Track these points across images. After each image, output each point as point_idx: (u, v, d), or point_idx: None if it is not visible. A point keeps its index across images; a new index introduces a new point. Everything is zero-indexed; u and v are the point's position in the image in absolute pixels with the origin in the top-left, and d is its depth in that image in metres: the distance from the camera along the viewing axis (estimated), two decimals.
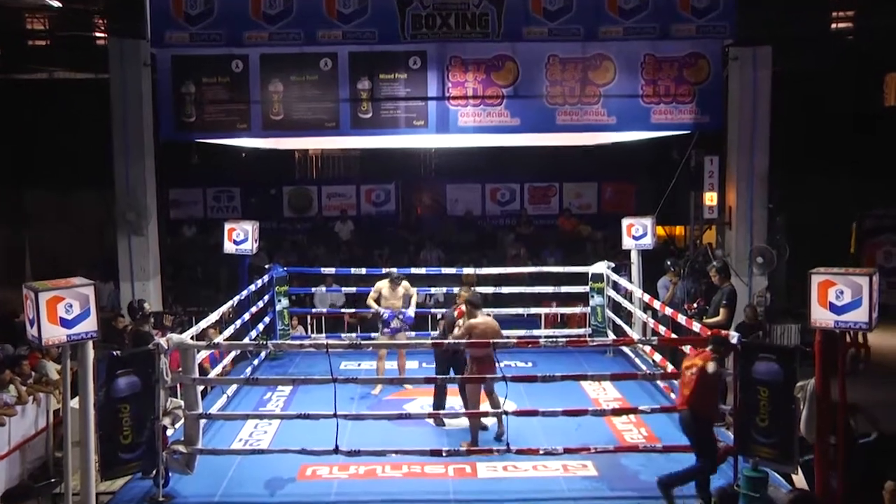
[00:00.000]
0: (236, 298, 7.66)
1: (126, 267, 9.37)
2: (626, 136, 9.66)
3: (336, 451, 5.41)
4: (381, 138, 8.94)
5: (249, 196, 13.88)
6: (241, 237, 8.50)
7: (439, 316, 9.92)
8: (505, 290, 9.28)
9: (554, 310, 9.92)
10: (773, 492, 4.80)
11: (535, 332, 9.05)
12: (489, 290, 9.16)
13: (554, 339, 5.55)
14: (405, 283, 7.65)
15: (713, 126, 8.85)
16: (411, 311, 7.48)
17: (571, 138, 9.60)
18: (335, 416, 5.50)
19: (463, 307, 6.31)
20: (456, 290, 9.42)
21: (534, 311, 9.50)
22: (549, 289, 9.43)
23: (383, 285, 7.57)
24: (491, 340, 5.81)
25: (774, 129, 9.65)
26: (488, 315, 6.28)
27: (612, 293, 8.80)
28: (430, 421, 6.40)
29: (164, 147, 9.25)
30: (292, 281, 9.87)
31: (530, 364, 8.41)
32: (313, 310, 9.91)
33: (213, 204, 13.82)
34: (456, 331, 6.30)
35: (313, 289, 10.00)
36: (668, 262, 8.92)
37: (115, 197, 9.28)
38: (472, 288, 6.51)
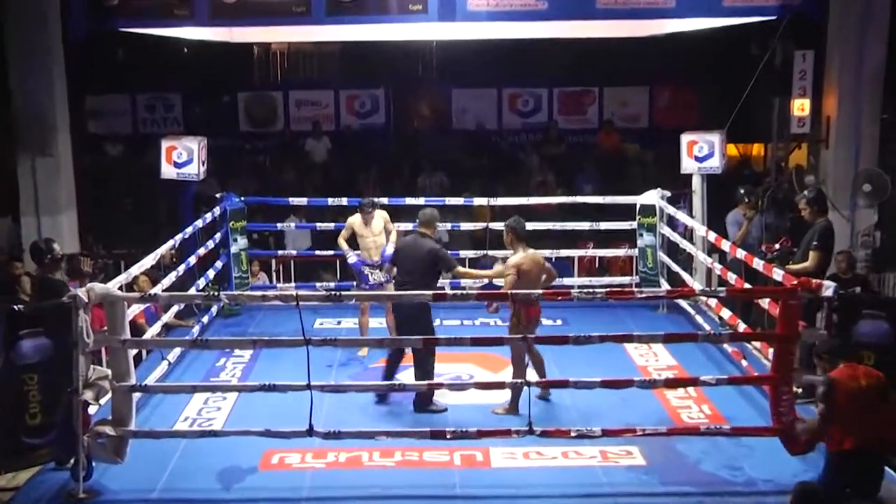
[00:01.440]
0: (178, 237, 7.59)
1: (29, 197, 9.22)
2: (687, 24, 9.47)
3: (310, 432, 5.39)
4: (366, 28, 8.82)
5: (194, 105, 13.72)
6: (183, 158, 8.47)
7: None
8: (528, 226, 9.22)
9: (591, 252, 9.96)
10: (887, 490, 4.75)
11: (567, 282, 9.07)
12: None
13: (591, 291, 5.43)
14: (383, 214, 7.62)
15: (808, 10, 8.56)
16: (389, 248, 7.45)
17: (615, 28, 9.47)
18: (308, 387, 5.46)
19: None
20: (464, 226, 9.43)
21: (565, 254, 9.55)
22: (585, 225, 9.48)
23: (355, 220, 7.55)
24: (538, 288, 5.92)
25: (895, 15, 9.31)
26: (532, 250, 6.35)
27: (666, 231, 8.79)
28: (434, 395, 6.39)
29: (78, 40, 9.05)
30: (252, 215, 9.85)
31: (559, 322, 8.47)
32: (279, 252, 9.90)
33: (145, 115, 13.65)
34: (497, 267, 6.40)
35: (279, 225, 9.94)
36: (742, 191, 8.82)
37: (11, 108, 9.11)
38: (517, 218, 6.43)
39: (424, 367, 6.28)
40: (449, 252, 9.35)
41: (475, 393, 6.27)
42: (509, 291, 5.70)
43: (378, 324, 7.98)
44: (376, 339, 6.34)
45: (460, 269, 6.68)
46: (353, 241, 7.60)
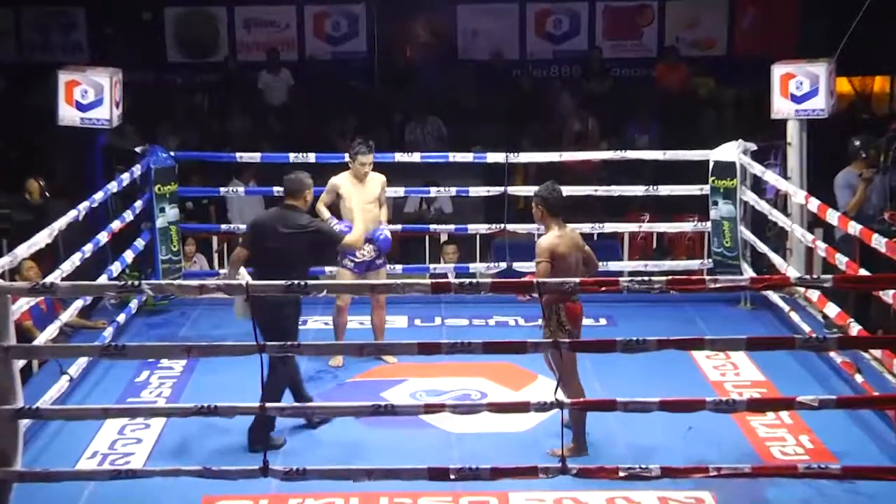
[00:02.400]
0: (82, 206, 7.54)
1: None
2: None
3: (265, 471, 5.38)
4: None
5: (102, 24, 13.65)
6: (89, 98, 8.44)
7: (444, 240, 10.03)
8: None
9: (646, 227, 9.92)
10: None
11: (613, 267, 9.06)
12: (531, 190, 9.07)
13: (646, 279, 5.37)
14: (381, 179, 7.65)
15: None
16: (386, 230, 7.52)
17: None
18: (262, 409, 5.43)
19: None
20: (474, 191, 9.41)
21: (610, 229, 9.57)
22: (638, 190, 9.48)
23: (342, 181, 7.51)
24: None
25: None
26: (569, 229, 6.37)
27: (750, 197, 8.76)
28: (433, 419, 6.46)
29: None
30: (185, 176, 9.84)
31: (603, 321, 8.50)
32: (223, 227, 9.91)
33: (34, 37, 13.57)
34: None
35: (222, 190, 9.92)
36: (857, 143, 8.76)
37: None
38: (552, 185, 6.41)
39: (272, 389, 6.08)
40: (454, 227, 9.55)
41: (488, 418, 6.24)
42: (535, 280, 5.65)
43: (359, 324, 7.95)
44: (355, 344, 6.27)
45: (350, 237, 6.81)
46: (335, 212, 7.62)
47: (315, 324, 8.49)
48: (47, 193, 9.69)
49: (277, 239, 6.41)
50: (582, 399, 6.02)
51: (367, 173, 7.50)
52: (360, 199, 7.45)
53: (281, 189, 9.43)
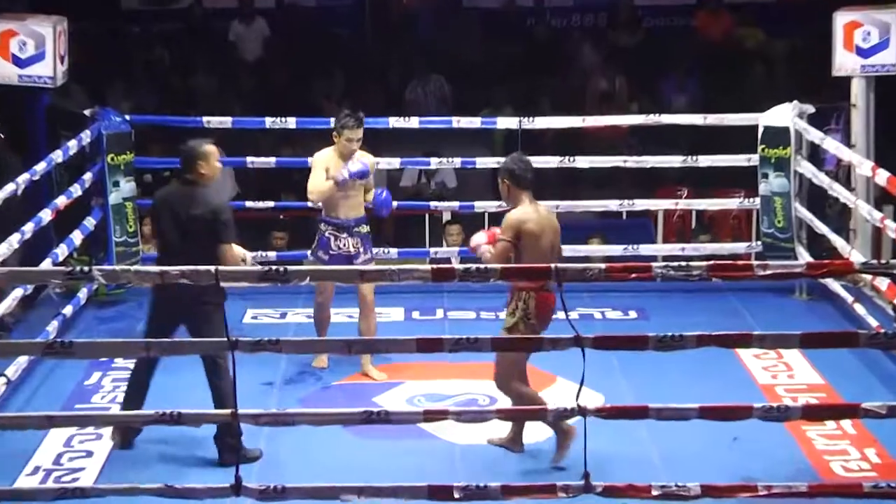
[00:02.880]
0: (22, 179, 7.52)
1: None
2: None
3: (237, 488, 5.38)
4: None
5: None
6: (28, 51, 8.44)
7: (447, 219, 10.00)
8: (583, 162, 9.28)
9: (684, 204, 9.91)
10: None
11: (646, 250, 9.04)
12: (551, 161, 9.05)
13: (683, 265, 5.34)
14: (371, 160, 7.64)
15: None
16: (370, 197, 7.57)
17: None
18: (234, 416, 5.41)
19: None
20: (482, 162, 9.38)
21: (642, 205, 9.59)
22: (675, 161, 9.46)
23: (327, 158, 7.48)
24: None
25: None
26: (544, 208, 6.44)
27: (806, 169, 8.74)
28: (434, 428, 6.47)
29: None
30: (143, 144, 9.81)
31: (633, 314, 8.56)
32: None
33: None
34: (479, 241, 6.39)
35: None
36: None
37: None
38: (518, 155, 6.52)
39: (226, 390, 6.10)
40: (458, 204, 9.50)
41: (499, 426, 6.21)
42: (554, 266, 5.61)
43: (347, 318, 7.94)
44: (343, 340, 6.24)
45: (236, 250, 6.50)
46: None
47: (296, 317, 8.54)
48: None
49: (179, 219, 6.42)
50: (600, 406, 5.99)
51: (354, 152, 7.40)
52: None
53: (255, 160, 9.54)
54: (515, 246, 6.16)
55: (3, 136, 9.48)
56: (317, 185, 7.40)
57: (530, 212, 6.22)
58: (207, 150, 6.49)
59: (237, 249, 6.56)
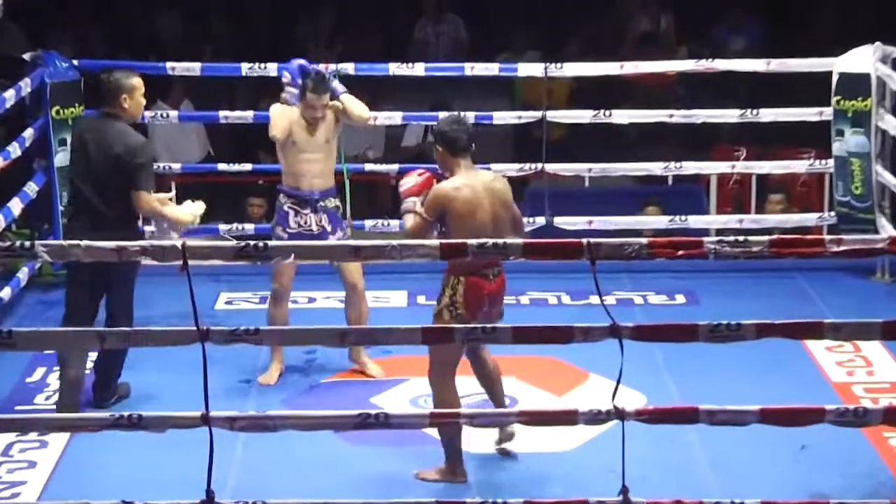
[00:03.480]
0: None
1: None
2: None
3: None
4: None
5: None
6: None
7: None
8: (621, 116, 9.36)
9: (742, 167, 9.94)
10: None
11: (696, 222, 9.09)
12: (583, 116, 9.09)
13: (741, 240, 5.37)
14: (336, 108, 7.52)
15: None
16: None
17: None
18: (205, 421, 5.45)
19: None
20: (499, 117, 9.41)
21: (691, 168, 9.59)
22: (731, 115, 9.47)
23: (289, 114, 7.44)
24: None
25: None
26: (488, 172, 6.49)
27: (890, 124, 8.76)
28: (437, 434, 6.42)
29: None
30: (94, 94, 9.76)
31: (681, 298, 8.60)
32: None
33: None
34: (407, 185, 6.45)
35: (148, 114, 9.86)
36: None
37: None
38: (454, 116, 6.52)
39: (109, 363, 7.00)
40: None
41: (520, 432, 6.26)
42: (587, 241, 5.65)
43: (338, 302, 7.99)
44: (334, 329, 6.27)
45: (158, 205, 6.94)
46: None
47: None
48: None
49: (89, 162, 6.66)
50: (641, 408, 6.03)
51: (319, 121, 7.36)
52: (311, 142, 7.38)
53: (229, 114, 9.55)
54: (441, 224, 6.16)
55: None
56: (275, 129, 7.43)
57: (462, 185, 6.16)
58: (133, 83, 6.79)
59: (176, 209, 6.80)
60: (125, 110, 6.78)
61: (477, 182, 6.22)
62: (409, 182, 6.42)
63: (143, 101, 6.97)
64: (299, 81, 7.37)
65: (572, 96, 11.41)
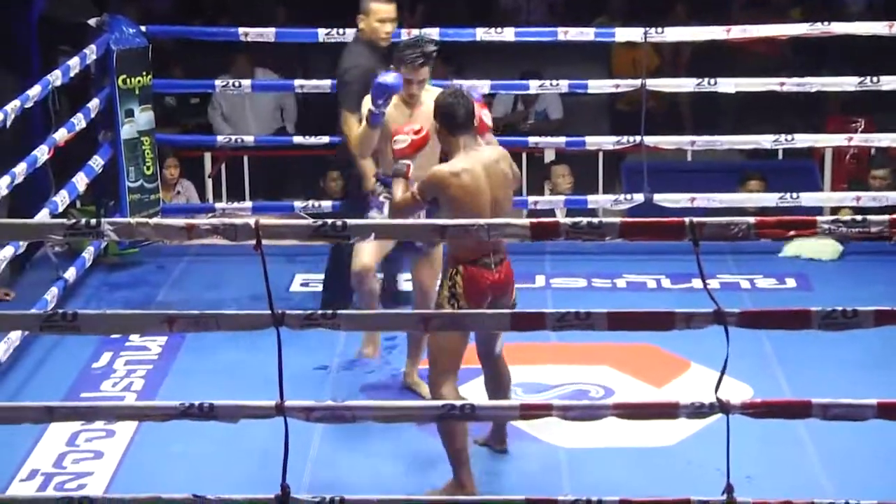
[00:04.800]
0: (10, 107, 7.55)
1: None
2: None
3: (283, 500, 5.42)
4: None
5: None
6: None
7: (550, 159, 9.99)
8: (727, 85, 9.31)
9: (861, 139, 9.77)
10: None
11: (808, 199, 9.09)
12: (686, 85, 9.03)
13: (859, 219, 5.31)
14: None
15: None
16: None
17: None
18: (280, 411, 5.48)
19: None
20: (595, 86, 9.38)
21: (803, 140, 9.50)
22: (849, 83, 9.36)
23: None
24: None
25: None
26: (492, 147, 6.29)
27: None
28: (533, 427, 6.50)
29: None
30: (163, 63, 9.89)
31: (791, 283, 8.57)
32: (219, 139, 10.03)
33: None
34: (400, 145, 6.35)
35: (218, 83, 9.94)
36: None
37: None
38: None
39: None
40: (565, 139, 9.49)
41: (616, 426, 6.22)
42: (690, 220, 5.62)
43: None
44: (416, 313, 6.29)
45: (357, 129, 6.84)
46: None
47: None
48: None
49: None
50: (748, 401, 5.99)
51: (416, 97, 6.99)
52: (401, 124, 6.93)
53: (307, 82, 9.57)
54: (435, 205, 6.11)
55: None
56: (354, 131, 7.23)
57: (462, 170, 6.00)
58: (371, 7, 7.17)
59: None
60: (361, 30, 7.33)
61: (477, 165, 6.07)
62: (402, 141, 6.31)
63: (379, 28, 7.45)
64: (381, 102, 6.89)
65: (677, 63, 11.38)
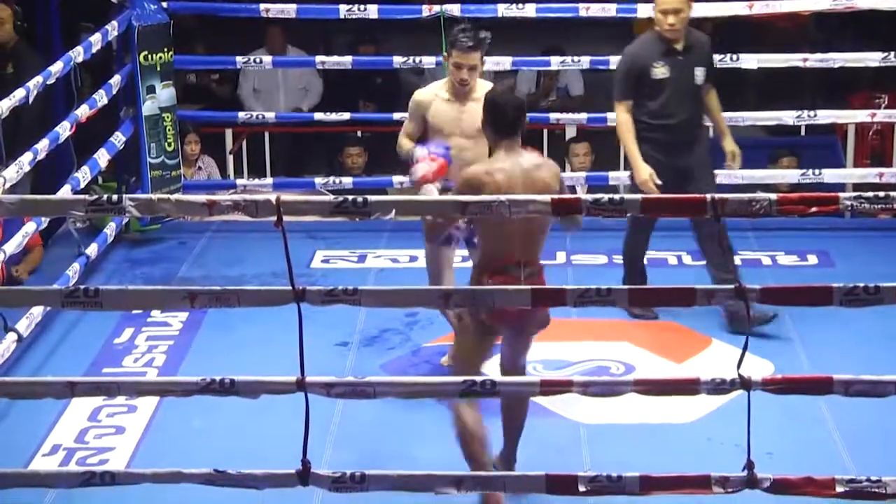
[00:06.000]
0: (33, 84, 7.58)
1: None
2: None
3: (304, 475, 5.45)
4: None
5: None
6: None
7: (571, 136, 9.92)
8: (750, 61, 9.33)
9: (884, 115, 9.81)
10: None
11: (831, 176, 9.07)
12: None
13: (882, 196, 5.28)
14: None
15: None
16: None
17: None
18: (301, 386, 5.50)
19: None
20: (615, 61, 9.35)
21: (826, 116, 9.51)
22: (872, 58, 9.33)
23: (429, 97, 6.93)
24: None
25: None
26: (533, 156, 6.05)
27: None
28: (554, 403, 6.50)
29: None
30: (184, 38, 9.94)
31: (813, 259, 8.60)
32: (241, 116, 10.03)
33: None
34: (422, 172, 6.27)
35: (240, 60, 9.95)
36: None
37: None
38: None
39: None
40: (586, 116, 9.45)
41: (636, 402, 6.22)
42: (711, 196, 5.60)
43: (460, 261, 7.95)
44: (438, 290, 6.29)
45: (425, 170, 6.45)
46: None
47: (378, 260, 8.63)
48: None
49: None
50: (769, 377, 5.98)
51: (467, 83, 6.75)
52: (456, 127, 6.79)
53: (328, 59, 9.57)
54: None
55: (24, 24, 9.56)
56: (400, 140, 6.97)
57: (497, 169, 5.81)
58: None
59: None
60: (652, 20, 7.52)
61: (516, 167, 5.86)
62: (422, 168, 6.24)
63: (661, 19, 7.48)
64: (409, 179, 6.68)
65: None
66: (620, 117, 7.63)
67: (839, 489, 5.32)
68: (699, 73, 7.66)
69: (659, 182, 7.41)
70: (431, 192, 6.11)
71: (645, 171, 7.41)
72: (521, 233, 5.81)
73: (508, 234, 5.79)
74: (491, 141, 5.98)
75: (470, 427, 5.92)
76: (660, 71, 7.56)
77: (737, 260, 7.43)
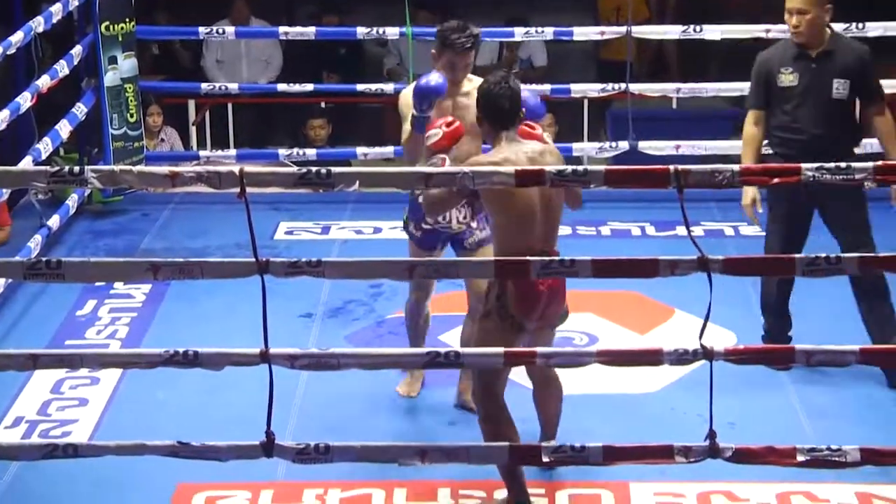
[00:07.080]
0: None
1: None
2: None
3: (268, 447, 5.44)
4: None
5: None
6: None
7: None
8: (714, 32, 9.27)
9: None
10: None
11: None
12: (671, 31, 9.01)
13: (844, 166, 5.29)
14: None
15: None
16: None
17: None
18: (265, 358, 5.49)
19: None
20: (581, 33, 9.35)
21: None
22: (836, 28, 9.17)
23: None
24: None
25: None
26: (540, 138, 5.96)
27: None
28: (515, 374, 6.37)
29: None
30: (147, 8, 9.82)
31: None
32: (204, 87, 10.04)
33: None
34: (434, 138, 6.05)
35: (202, 31, 9.90)
36: None
37: None
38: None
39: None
40: (549, 87, 9.45)
41: (599, 372, 6.23)
42: (675, 168, 5.60)
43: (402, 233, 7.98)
44: (403, 261, 6.23)
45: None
46: None
47: (342, 232, 8.63)
48: None
49: None
50: (731, 347, 5.99)
51: (459, 84, 6.55)
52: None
53: (291, 29, 9.55)
54: (476, 197, 5.95)
55: None
56: (404, 136, 6.59)
57: (503, 158, 5.67)
58: None
59: None
60: None
61: (521, 156, 5.74)
62: (436, 134, 6.08)
63: (787, 19, 6.83)
64: (424, 106, 6.36)
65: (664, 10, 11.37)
66: (745, 128, 7.01)
67: (800, 458, 5.32)
68: (839, 86, 6.85)
69: (760, 211, 6.94)
70: (443, 162, 5.92)
71: (748, 196, 6.91)
72: (542, 220, 5.74)
73: (529, 223, 5.72)
74: (490, 134, 5.86)
75: (502, 430, 5.79)
76: (787, 78, 6.85)
77: (699, 231, 7.42)
